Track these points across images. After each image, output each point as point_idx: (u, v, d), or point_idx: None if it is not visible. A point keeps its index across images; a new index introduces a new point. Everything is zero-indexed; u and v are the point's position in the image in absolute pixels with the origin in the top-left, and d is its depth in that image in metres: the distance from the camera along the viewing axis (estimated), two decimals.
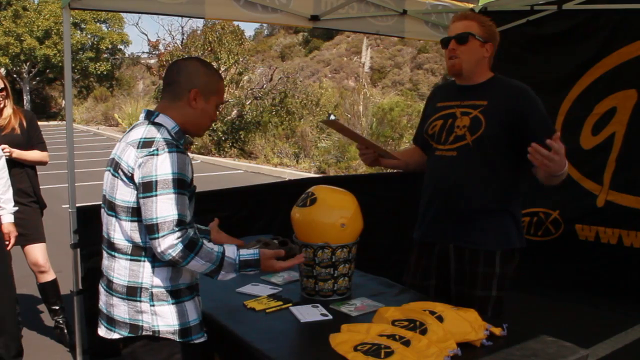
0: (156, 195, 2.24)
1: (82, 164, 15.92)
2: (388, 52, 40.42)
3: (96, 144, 23.85)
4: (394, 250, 5.14)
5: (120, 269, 2.39)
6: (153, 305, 2.36)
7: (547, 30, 5.50)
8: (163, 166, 2.25)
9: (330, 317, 2.66)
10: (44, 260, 4.71)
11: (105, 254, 2.47)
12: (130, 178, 2.31)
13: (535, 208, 5.60)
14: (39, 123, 4.90)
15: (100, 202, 2.50)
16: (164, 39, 23.33)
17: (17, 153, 4.53)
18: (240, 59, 20.96)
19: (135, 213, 2.32)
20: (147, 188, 2.25)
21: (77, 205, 4.01)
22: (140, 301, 2.36)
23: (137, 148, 2.31)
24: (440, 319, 2.43)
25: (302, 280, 2.96)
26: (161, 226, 2.23)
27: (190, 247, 2.27)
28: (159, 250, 2.24)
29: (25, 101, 37.37)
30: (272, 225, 4.72)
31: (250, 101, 19.85)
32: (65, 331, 4.89)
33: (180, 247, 2.24)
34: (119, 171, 2.34)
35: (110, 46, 40.36)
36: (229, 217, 4.21)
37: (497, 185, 3.08)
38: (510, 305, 3.23)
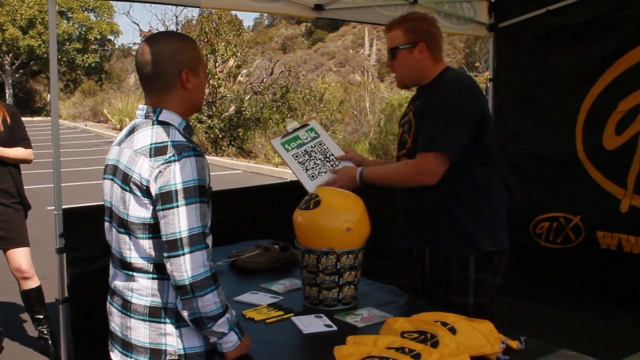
0: (178, 207, 2.14)
1: (68, 163, 15.98)
2: None
3: (84, 141, 23.90)
4: (403, 256, 5.14)
5: (140, 289, 2.31)
6: (179, 327, 2.28)
7: (567, 21, 5.48)
8: (182, 173, 2.15)
9: (334, 328, 2.65)
10: (28, 266, 4.72)
11: (118, 273, 2.41)
12: (146, 192, 2.21)
13: (555, 212, 5.59)
14: (23, 119, 4.91)
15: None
16: (156, 29, 23.43)
17: (0, 150, 4.54)
18: (239, 51, 20.98)
19: (152, 230, 2.23)
20: (167, 199, 2.15)
21: (63, 207, 4.00)
22: (164, 322, 2.29)
23: (150, 157, 2.21)
24: (452, 330, 2.42)
25: (305, 289, 2.96)
26: (186, 240, 2.13)
27: (215, 277, 2.20)
28: (183, 268, 2.13)
29: (7, 95, 37.44)
30: (272, 230, 4.72)
31: (249, 96, 19.89)
32: (50, 342, 4.90)
33: (208, 273, 2.16)
34: (131, 184, 2.24)
35: (99, 37, 40.42)
36: (226, 221, 4.22)
37: (442, 186, 3.10)
38: (528, 317, 3.23)
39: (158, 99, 2.35)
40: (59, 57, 35.12)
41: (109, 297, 2.49)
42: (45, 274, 5.42)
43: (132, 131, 2.37)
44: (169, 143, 2.21)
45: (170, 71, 2.32)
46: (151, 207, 2.21)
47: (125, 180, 2.27)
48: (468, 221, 3.13)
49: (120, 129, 26.59)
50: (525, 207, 5.71)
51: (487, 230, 3.17)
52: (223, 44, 20.07)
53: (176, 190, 2.14)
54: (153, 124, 2.30)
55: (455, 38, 36.72)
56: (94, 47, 40.87)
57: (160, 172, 2.17)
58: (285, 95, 19.55)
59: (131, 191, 2.25)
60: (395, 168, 3.25)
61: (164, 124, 2.30)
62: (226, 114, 19.18)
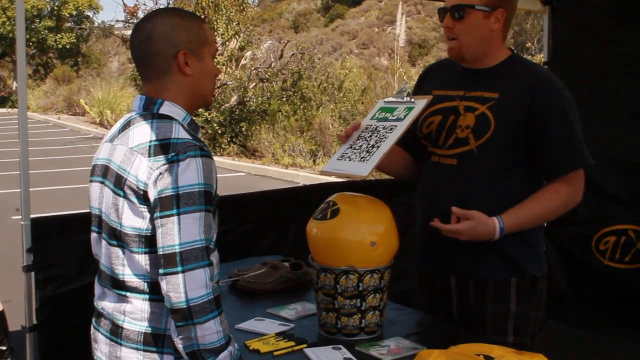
0: (178, 214, 2.15)
1: (38, 164, 16.03)
2: (431, 21, 40.40)
3: (57, 137, 24.01)
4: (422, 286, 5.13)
5: (134, 312, 2.32)
6: (178, 358, 2.28)
7: None
8: (186, 175, 2.17)
9: None
10: None
11: (107, 293, 2.42)
12: (143, 198, 2.22)
13: (624, 225, 5.55)
14: None
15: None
16: (144, 4, 23.44)
17: None
18: (242, 30, 21.03)
19: (150, 242, 2.24)
20: (166, 205, 2.16)
21: (32, 216, 4.02)
22: (161, 352, 2.31)
23: (149, 156, 2.22)
24: None
25: (321, 315, 2.96)
26: (186, 255, 2.14)
27: (218, 301, 2.20)
28: (181, 288, 2.12)
29: None
30: (282, 243, 4.73)
31: (254, 84, 19.91)
32: None
33: (211, 295, 2.16)
34: (125, 188, 2.26)
35: (75, 13, 40.61)
36: (227, 233, 4.22)
37: (510, 202, 3.04)
38: (588, 349, 3.21)
39: (154, 87, 2.38)
40: (27, 37, 35.31)
41: (94, 320, 2.51)
42: (10, 297, 5.46)
43: (127, 125, 2.38)
44: (172, 140, 2.23)
45: (165, 52, 2.35)
46: (148, 216, 2.23)
47: (119, 184, 2.29)
48: (512, 242, 3.08)
49: (100, 123, 26.85)
50: (586, 218, 5.67)
51: (533, 252, 3.15)
52: (223, 21, 20.12)
53: (177, 195, 2.16)
54: (152, 118, 2.32)
55: None
56: (68, 25, 41.05)
57: (160, 174, 2.19)
58: (297, 82, 19.56)
59: (125, 196, 2.26)
60: (549, 203, 3.06)
61: (166, 118, 2.32)
62: (227, 105, 19.22)
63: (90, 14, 42.40)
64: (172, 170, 2.17)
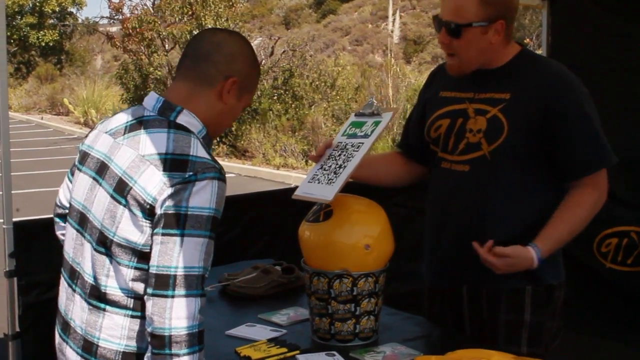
0: (182, 235, 2.07)
1: (20, 165, 15.98)
2: (427, 16, 40.40)
3: (40, 138, 23.95)
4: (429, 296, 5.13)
5: (112, 328, 2.22)
6: None
7: None
8: (199, 197, 2.09)
9: None
10: None
11: (76, 300, 2.33)
12: (148, 212, 2.13)
13: (626, 226, 5.54)
14: None
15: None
16: (129, 0, 23.29)
17: None
18: (232, 27, 21.01)
19: (143, 259, 2.15)
20: (172, 223, 2.08)
21: (14, 220, 4.01)
22: None
23: (164, 170, 2.12)
24: None
25: (314, 320, 2.97)
26: (181, 280, 2.06)
27: (201, 337, 2.12)
28: (167, 314, 2.04)
29: None
30: (273, 247, 4.72)
31: None
32: None
33: (195, 329, 2.08)
34: (129, 197, 2.15)
35: (57, 9, 40.50)
36: (217, 236, 4.21)
37: (527, 210, 3.02)
38: (591, 355, 3.21)
39: (187, 88, 2.31)
40: (8, 34, 35.19)
41: (59, 328, 2.42)
42: None
43: (137, 125, 2.28)
44: (190, 157, 2.15)
45: (222, 66, 2.31)
46: (149, 232, 2.15)
47: (121, 191, 2.19)
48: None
49: (85, 123, 26.76)
50: None
51: (550, 258, 3.05)
52: (212, 17, 20.10)
53: (185, 215, 2.08)
54: (169, 127, 2.23)
55: None
56: (51, 21, 40.95)
57: (175, 192, 2.10)
58: (288, 80, 19.53)
59: (128, 206, 2.16)
60: (579, 215, 3.01)
61: (182, 129, 2.24)
62: None
63: (73, 10, 42.36)
64: (186, 189, 2.09)
